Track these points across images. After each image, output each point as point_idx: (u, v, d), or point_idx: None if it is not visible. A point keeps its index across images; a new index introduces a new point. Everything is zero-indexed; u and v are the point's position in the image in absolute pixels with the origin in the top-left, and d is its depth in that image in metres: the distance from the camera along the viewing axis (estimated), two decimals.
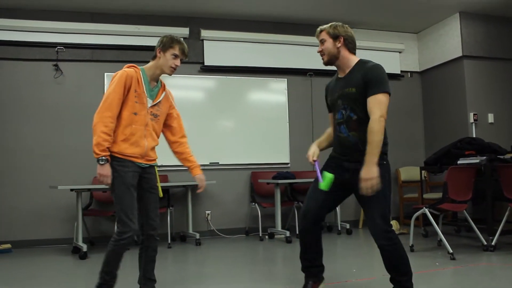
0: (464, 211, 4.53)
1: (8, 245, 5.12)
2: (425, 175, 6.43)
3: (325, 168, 2.81)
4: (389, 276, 2.69)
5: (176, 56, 2.76)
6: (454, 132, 6.28)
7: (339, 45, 2.74)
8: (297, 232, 2.95)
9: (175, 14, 6.05)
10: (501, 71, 6.50)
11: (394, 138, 6.82)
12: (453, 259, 3.98)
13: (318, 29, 2.82)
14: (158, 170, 2.91)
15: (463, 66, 6.32)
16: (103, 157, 2.57)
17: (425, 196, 5.85)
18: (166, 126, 2.95)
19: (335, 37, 2.74)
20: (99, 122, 2.58)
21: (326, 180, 2.57)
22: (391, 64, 6.97)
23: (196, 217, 5.90)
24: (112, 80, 2.67)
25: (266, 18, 6.33)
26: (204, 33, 6.10)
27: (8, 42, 5.48)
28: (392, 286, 2.68)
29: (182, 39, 2.84)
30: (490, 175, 4.53)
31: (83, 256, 4.54)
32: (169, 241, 5.28)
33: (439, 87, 6.79)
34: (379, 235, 2.59)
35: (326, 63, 2.81)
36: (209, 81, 6.22)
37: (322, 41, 2.79)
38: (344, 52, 2.76)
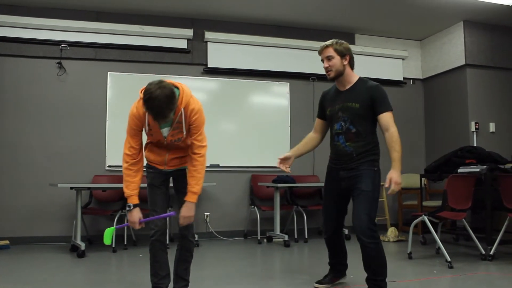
0: (463, 219, 4.52)
1: (6, 242, 5.12)
2: (425, 182, 6.42)
3: (327, 181, 3.13)
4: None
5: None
6: (455, 140, 6.28)
7: (346, 62, 2.91)
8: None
9: (180, 15, 6.06)
10: (504, 80, 6.50)
11: None
12: (451, 267, 3.97)
13: (324, 44, 2.95)
14: None
15: (465, 74, 6.32)
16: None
17: (425, 203, 5.85)
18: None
19: (342, 55, 2.90)
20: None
21: (106, 234, 2.70)
22: (393, 70, 6.98)
23: (195, 219, 5.86)
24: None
25: (270, 21, 6.34)
26: (208, 35, 6.10)
27: (12, 39, 5.48)
28: (367, 286, 2.88)
29: (155, 101, 2.37)
30: (490, 184, 4.52)
31: (81, 254, 4.53)
32: (167, 242, 5.25)
33: (441, 95, 6.79)
34: (364, 232, 2.76)
35: (332, 79, 2.97)
36: (211, 83, 6.22)
37: (329, 58, 2.91)
38: (348, 69, 2.93)
